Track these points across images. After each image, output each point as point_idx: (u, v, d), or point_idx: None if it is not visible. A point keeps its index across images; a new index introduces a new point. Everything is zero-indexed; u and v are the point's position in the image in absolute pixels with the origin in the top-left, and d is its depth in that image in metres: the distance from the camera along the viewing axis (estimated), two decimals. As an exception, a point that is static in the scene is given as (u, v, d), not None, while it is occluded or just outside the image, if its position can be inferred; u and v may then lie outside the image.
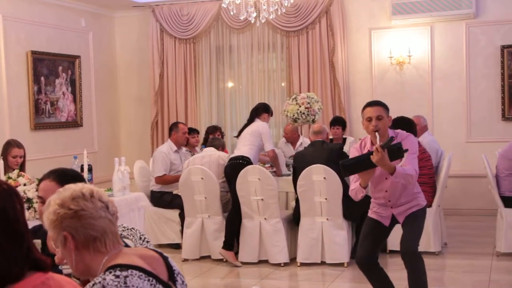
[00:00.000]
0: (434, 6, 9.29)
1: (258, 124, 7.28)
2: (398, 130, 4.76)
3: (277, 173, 7.32)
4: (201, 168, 6.95)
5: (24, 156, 6.40)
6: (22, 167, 6.18)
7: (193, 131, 8.46)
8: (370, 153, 4.34)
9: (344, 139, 8.79)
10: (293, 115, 7.94)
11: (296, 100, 7.94)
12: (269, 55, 10.17)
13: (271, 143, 7.23)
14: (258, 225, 6.80)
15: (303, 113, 7.86)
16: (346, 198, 6.58)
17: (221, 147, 7.54)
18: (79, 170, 6.53)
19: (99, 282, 1.95)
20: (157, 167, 7.67)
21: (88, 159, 6.73)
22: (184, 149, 8.16)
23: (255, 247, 6.84)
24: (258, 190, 6.70)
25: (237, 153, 7.20)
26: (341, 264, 6.62)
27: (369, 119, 4.55)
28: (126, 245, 2.47)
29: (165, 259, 2.21)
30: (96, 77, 10.28)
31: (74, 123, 9.79)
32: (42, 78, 9.08)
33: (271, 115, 7.64)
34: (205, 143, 8.47)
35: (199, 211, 7.07)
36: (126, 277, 1.97)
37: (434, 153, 7.38)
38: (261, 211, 6.76)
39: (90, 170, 6.27)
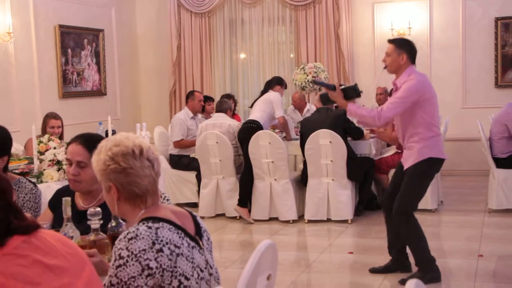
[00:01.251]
0: (433, -19, 9.14)
1: (270, 93, 7.18)
2: (413, 75, 4.55)
3: (287, 138, 7.26)
4: (216, 133, 6.93)
5: (62, 127, 6.39)
6: (60, 137, 6.17)
7: (208, 99, 8.43)
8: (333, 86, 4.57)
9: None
10: (301, 84, 7.89)
11: (304, 70, 7.88)
12: (279, 28, 10.06)
13: (281, 110, 7.11)
14: (269, 186, 6.81)
15: (311, 82, 7.80)
16: (350, 160, 6.59)
17: (229, 109, 7.41)
18: (104, 135, 6.54)
19: (133, 232, 1.98)
20: (175, 133, 7.66)
21: (112, 125, 6.74)
22: (200, 115, 8.14)
23: (266, 205, 6.85)
24: (269, 153, 6.68)
25: (249, 117, 7.15)
26: (345, 221, 6.63)
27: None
28: None
29: (194, 217, 2.23)
30: (118, 50, 10.23)
31: (99, 92, 9.77)
32: (69, 50, 9.05)
33: (285, 88, 7.50)
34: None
35: (214, 173, 7.07)
36: (157, 228, 2.00)
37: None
38: (271, 172, 6.75)
39: (114, 135, 6.27)
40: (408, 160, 4.62)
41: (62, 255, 1.70)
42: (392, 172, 6.94)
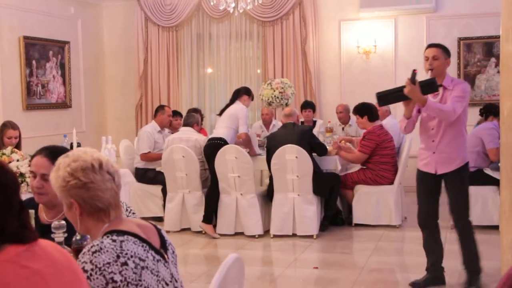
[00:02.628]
0: (398, 0, 9.29)
1: (237, 107, 7.09)
2: (455, 78, 4.79)
3: (251, 153, 7.19)
4: (183, 147, 6.90)
5: (20, 137, 6.30)
6: (17, 148, 6.07)
7: (176, 114, 8.39)
8: (403, 86, 4.43)
9: (314, 122, 8.81)
10: (268, 99, 7.94)
11: (271, 85, 7.93)
12: (246, 43, 10.10)
13: (245, 126, 7.01)
14: (235, 200, 6.80)
15: (277, 97, 7.87)
16: (316, 175, 6.62)
17: (195, 123, 7.35)
18: (69, 147, 6.46)
19: (97, 245, 1.95)
20: (142, 145, 7.60)
21: (77, 138, 6.67)
22: (167, 130, 8.10)
23: (232, 220, 6.83)
24: (235, 167, 6.68)
25: (215, 134, 7.08)
26: (310, 236, 6.64)
27: (426, 59, 4.59)
28: None
29: (159, 230, 2.21)
30: (84, 62, 10.15)
31: (64, 104, 9.67)
32: (34, 62, 8.95)
33: (252, 99, 7.40)
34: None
35: (180, 187, 7.03)
36: (122, 241, 1.98)
37: (397, 136, 7.40)
38: (237, 187, 6.75)
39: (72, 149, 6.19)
40: (451, 164, 4.65)
41: (62, 268, 1.66)
42: (358, 187, 7.05)
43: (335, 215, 7.20)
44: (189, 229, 7.10)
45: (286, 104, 8.01)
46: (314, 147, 6.79)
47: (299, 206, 6.65)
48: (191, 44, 10.26)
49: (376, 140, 6.94)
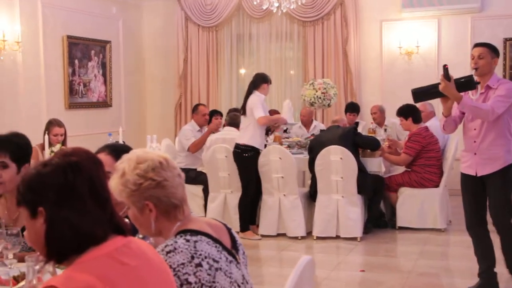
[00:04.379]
0: (441, 0, 9.15)
1: (251, 99, 6.65)
2: (502, 78, 4.77)
3: (281, 123, 7.10)
4: (225, 147, 6.87)
5: (65, 134, 6.35)
6: (63, 145, 6.12)
7: (216, 113, 8.35)
8: (439, 82, 4.32)
9: (356, 123, 8.69)
10: (310, 99, 7.86)
11: (313, 86, 7.85)
12: (286, 44, 10.04)
13: (259, 111, 6.51)
14: (278, 201, 6.75)
15: (320, 98, 7.78)
16: (360, 175, 6.53)
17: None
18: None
19: (171, 245, 1.92)
20: (186, 139, 7.58)
21: (118, 136, 6.71)
22: (205, 128, 8.07)
23: (274, 221, 6.78)
24: (279, 168, 6.63)
25: (238, 139, 6.72)
26: (354, 239, 6.56)
27: (472, 57, 4.49)
28: None
29: (229, 230, 2.17)
30: (125, 61, 10.21)
31: (104, 103, 9.73)
32: (76, 61, 9.03)
33: (270, 83, 6.90)
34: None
35: (222, 187, 7.01)
36: (196, 241, 1.94)
37: (441, 138, 7.26)
38: (281, 187, 6.70)
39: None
40: (492, 165, 4.52)
41: (156, 267, 1.66)
42: (402, 190, 6.94)
43: (379, 217, 7.11)
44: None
45: (329, 105, 7.92)
46: (364, 144, 6.74)
47: (343, 207, 6.57)
48: (231, 44, 10.25)
49: (422, 142, 6.82)
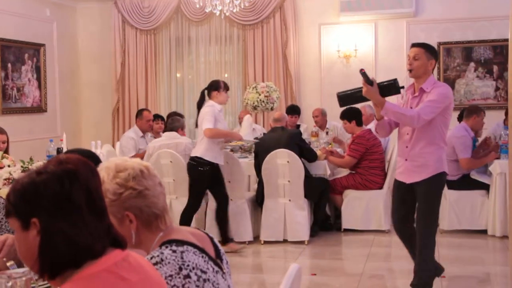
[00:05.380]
0: (378, 5, 9.30)
1: (201, 111, 6.26)
2: (438, 81, 4.56)
3: (236, 138, 6.63)
4: (170, 152, 6.73)
5: (8, 141, 6.05)
6: (5, 152, 5.83)
7: (158, 117, 8.20)
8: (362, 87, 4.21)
9: (298, 126, 8.72)
10: (253, 103, 7.83)
11: (256, 89, 7.83)
12: (226, 47, 9.97)
13: (206, 122, 6.05)
14: (225, 206, 6.66)
15: (263, 101, 7.76)
16: (306, 179, 6.53)
17: (180, 128, 7.08)
18: (55, 153, 6.24)
19: (157, 256, 1.83)
20: (126, 151, 7.40)
21: (60, 142, 6.47)
22: (149, 134, 7.92)
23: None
24: (226, 173, 6.55)
25: (195, 153, 6.27)
26: (302, 242, 6.55)
27: (408, 58, 4.34)
28: None
29: (211, 239, 2.10)
30: (59, 65, 9.88)
31: (39, 108, 9.39)
32: (9, 65, 8.66)
33: (226, 90, 6.33)
34: (166, 129, 8.23)
35: (167, 193, 6.85)
36: (182, 252, 1.86)
37: (383, 140, 7.36)
38: (228, 193, 6.61)
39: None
40: (421, 173, 4.36)
41: (154, 283, 1.58)
42: (347, 192, 7.00)
43: (324, 220, 7.13)
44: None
45: (271, 109, 7.92)
46: (304, 152, 6.67)
47: (290, 211, 6.55)
48: (170, 47, 10.10)
49: (366, 144, 6.90)
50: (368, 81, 4.15)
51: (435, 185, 4.38)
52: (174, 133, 7.06)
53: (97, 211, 1.54)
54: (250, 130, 7.24)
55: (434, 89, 4.28)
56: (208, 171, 6.16)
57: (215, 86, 6.29)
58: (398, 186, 4.54)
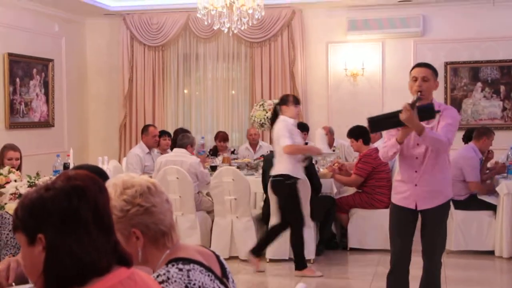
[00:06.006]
0: (385, 24, 9.35)
1: (275, 128, 6.14)
2: (441, 103, 4.35)
3: (315, 153, 6.50)
4: (177, 168, 6.73)
5: (21, 159, 6.05)
6: (19, 169, 5.83)
7: (164, 133, 8.22)
8: (399, 110, 3.88)
9: (306, 143, 8.68)
10: (260, 120, 7.82)
11: (263, 106, 7.83)
12: (233, 64, 10.00)
13: (284, 139, 5.93)
14: (230, 223, 6.65)
15: (270, 119, 7.72)
16: (311, 198, 6.48)
17: (189, 145, 7.08)
18: (61, 168, 6.25)
19: (164, 274, 1.82)
20: (132, 168, 7.40)
21: (67, 158, 6.48)
22: (156, 150, 7.93)
23: (226, 243, 6.68)
24: (232, 190, 6.54)
25: (274, 170, 6.14)
26: (307, 261, 6.49)
27: (415, 79, 4.09)
28: None
29: (218, 257, 2.09)
30: (68, 80, 9.92)
31: (47, 123, 9.41)
32: (17, 80, 8.70)
33: (296, 104, 6.21)
34: (173, 146, 8.24)
35: (173, 210, 6.84)
36: (189, 270, 1.85)
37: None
38: (233, 209, 6.60)
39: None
40: (434, 199, 4.13)
41: None
42: (353, 211, 6.97)
43: (330, 238, 7.10)
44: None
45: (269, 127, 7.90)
46: (311, 177, 6.46)
47: (296, 229, 6.51)
48: (178, 64, 10.13)
49: (373, 163, 6.87)
50: (413, 106, 3.87)
51: (446, 210, 4.24)
52: (182, 150, 7.04)
53: (104, 228, 1.54)
54: (325, 144, 7.04)
55: (445, 111, 4.11)
56: (296, 183, 6.02)
57: (283, 100, 6.24)
58: (399, 212, 4.23)
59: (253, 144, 8.91)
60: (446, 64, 9.35)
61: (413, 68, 4.22)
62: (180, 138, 7.16)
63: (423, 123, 3.90)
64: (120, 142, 10.28)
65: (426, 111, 3.95)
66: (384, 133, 4.47)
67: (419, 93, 3.99)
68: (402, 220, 4.22)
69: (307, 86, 9.78)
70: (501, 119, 9.26)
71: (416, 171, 4.13)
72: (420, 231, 4.23)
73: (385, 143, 4.18)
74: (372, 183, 6.93)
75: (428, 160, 4.11)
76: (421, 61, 4.45)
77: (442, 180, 4.15)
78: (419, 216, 4.24)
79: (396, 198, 4.26)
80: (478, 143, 6.89)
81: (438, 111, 4.04)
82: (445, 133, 4.00)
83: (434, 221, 4.16)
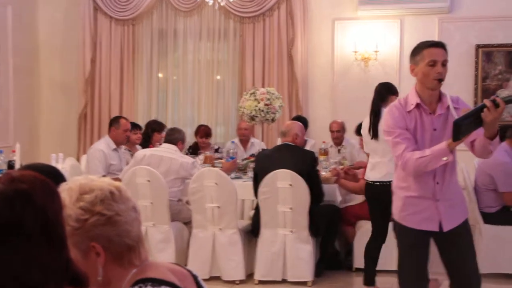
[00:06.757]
0: (405, -3, 9.47)
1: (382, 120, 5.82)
2: (452, 96, 4.12)
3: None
4: (149, 170, 6.83)
5: None
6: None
7: (135, 126, 8.31)
8: (481, 107, 3.61)
9: (304, 141, 8.82)
10: (251, 112, 7.91)
11: (255, 96, 7.92)
12: (220, 44, 10.11)
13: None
14: (212, 236, 6.76)
15: (262, 111, 7.85)
16: (312, 208, 6.60)
17: (180, 141, 7.20)
18: (5, 167, 6.36)
19: None
20: (95, 166, 7.49)
21: (12, 154, 6.57)
22: (123, 147, 8.02)
23: (206, 261, 6.77)
24: (214, 196, 6.65)
25: (379, 172, 6.05)
26: (304, 283, 6.62)
27: (432, 64, 3.90)
28: None
29: (195, 277, 2.15)
30: (15, 59, 9.98)
31: (-11, 111, 9.51)
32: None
33: (397, 95, 6.18)
34: (145, 142, 8.34)
35: (143, 218, 6.93)
36: None
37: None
38: (216, 220, 6.71)
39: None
40: (459, 214, 4.05)
41: None
42: (361, 223, 7.09)
43: (332, 256, 7.21)
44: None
45: (273, 120, 8.02)
46: (312, 187, 6.58)
47: (291, 245, 6.64)
48: (151, 42, 10.24)
49: (385, 166, 6.98)
50: (498, 105, 3.59)
51: (469, 225, 4.14)
52: (173, 147, 7.13)
53: (54, 242, 1.52)
54: None
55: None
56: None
57: (391, 90, 6.30)
58: (416, 238, 4.03)
59: (244, 141, 9.02)
60: (478, 47, 9.48)
61: (426, 47, 4.03)
62: (170, 133, 7.26)
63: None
64: (79, 136, 10.37)
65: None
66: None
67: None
68: (421, 245, 4.03)
69: (308, 72, 9.90)
70: (542, 115, 9.40)
71: (438, 182, 3.96)
72: (443, 258, 4.09)
73: (408, 151, 3.90)
74: (384, 190, 7.04)
75: (449, 169, 3.97)
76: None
77: (459, 191, 4.11)
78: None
79: (411, 220, 4.02)
80: (512, 143, 7.02)
81: None
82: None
83: (465, 240, 4.03)
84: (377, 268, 7.03)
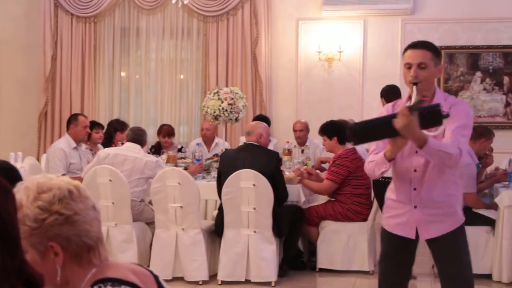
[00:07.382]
0: (368, -1, 9.53)
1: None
2: (447, 94, 3.94)
3: None
4: (110, 169, 6.76)
5: None
6: None
7: (96, 125, 8.25)
8: (393, 115, 3.46)
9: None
10: (214, 112, 7.90)
11: (219, 95, 7.91)
12: (183, 42, 10.08)
13: None
14: (175, 236, 6.72)
15: (226, 110, 7.84)
16: (276, 208, 6.59)
17: (146, 142, 7.20)
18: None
19: None
20: (55, 165, 7.40)
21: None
22: (84, 146, 7.94)
23: (169, 261, 6.72)
24: (177, 196, 6.61)
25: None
26: (268, 283, 6.60)
27: (408, 66, 3.69)
28: None
29: (156, 278, 2.12)
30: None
31: None
32: None
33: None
34: (107, 141, 8.28)
35: (104, 218, 6.89)
36: None
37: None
38: (178, 220, 6.67)
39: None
40: (443, 224, 3.78)
41: None
42: (324, 224, 7.10)
43: (295, 257, 7.22)
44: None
45: (236, 119, 8.00)
46: (276, 186, 6.57)
47: (255, 245, 6.61)
48: (113, 40, 10.20)
49: (349, 166, 6.99)
50: (412, 109, 3.42)
51: (461, 237, 3.83)
52: (137, 146, 7.05)
53: (7, 243, 1.48)
54: None
55: (454, 106, 3.73)
56: None
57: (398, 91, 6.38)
58: (393, 241, 3.90)
59: (207, 141, 9.00)
60: (440, 48, 9.44)
61: (406, 49, 3.82)
62: (138, 134, 7.17)
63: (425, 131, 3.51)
64: (39, 134, 10.29)
65: (430, 116, 3.51)
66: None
67: (424, 96, 3.60)
68: (397, 252, 3.90)
69: (272, 72, 9.92)
70: (504, 117, 9.52)
71: (415, 188, 3.79)
72: (434, 262, 4.02)
73: (373, 154, 3.82)
74: (348, 191, 7.05)
75: (431, 172, 3.77)
76: (416, 40, 3.93)
77: (455, 197, 3.86)
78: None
79: (388, 224, 3.91)
80: (474, 145, 7.05)
81: (447, 115, 3.55)
82: (455, 142, 3.61)
83: (449, 252, 3.82)
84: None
